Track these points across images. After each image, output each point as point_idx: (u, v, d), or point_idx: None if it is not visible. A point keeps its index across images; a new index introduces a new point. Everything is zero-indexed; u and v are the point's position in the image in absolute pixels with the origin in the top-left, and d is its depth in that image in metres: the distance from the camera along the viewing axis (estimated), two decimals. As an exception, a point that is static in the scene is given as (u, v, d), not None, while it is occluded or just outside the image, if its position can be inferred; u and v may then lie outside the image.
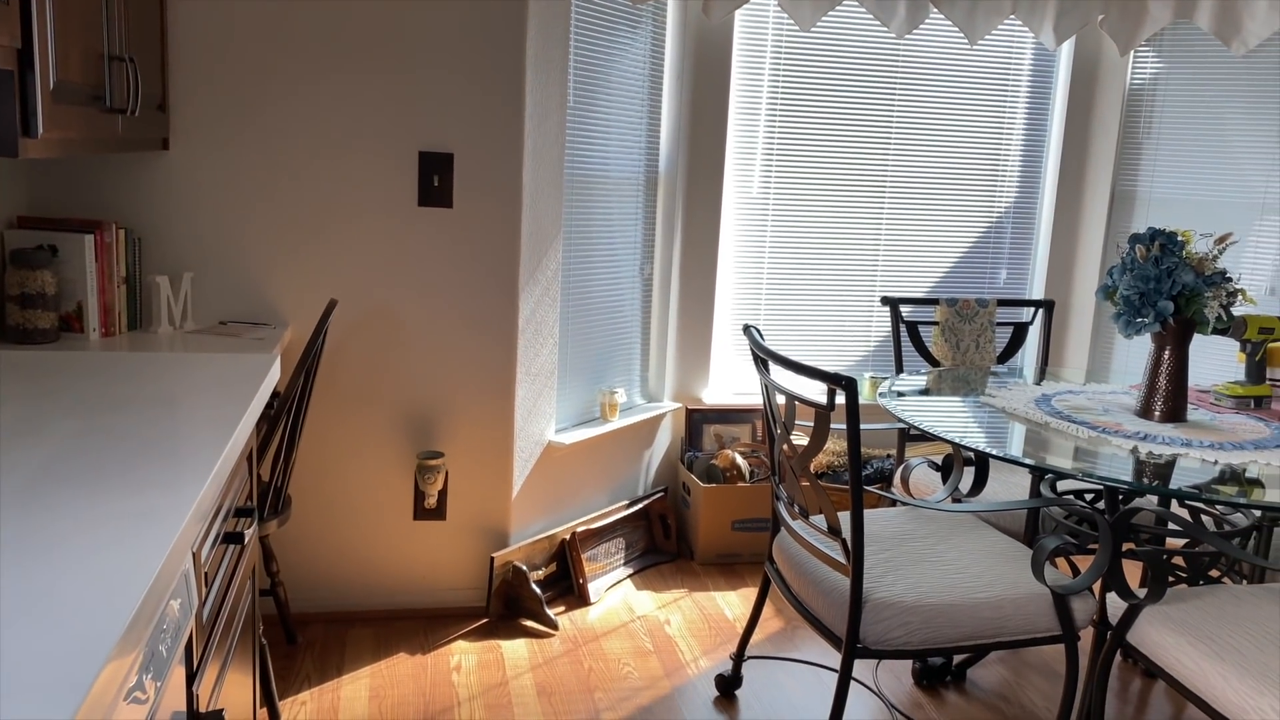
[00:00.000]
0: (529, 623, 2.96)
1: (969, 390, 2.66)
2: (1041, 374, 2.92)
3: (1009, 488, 2.81)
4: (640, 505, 3.45)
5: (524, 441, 3.02)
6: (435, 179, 2.79)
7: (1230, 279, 2.29)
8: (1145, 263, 2.29)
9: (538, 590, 2.94)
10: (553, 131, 2.93)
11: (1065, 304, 3.94)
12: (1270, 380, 2.60)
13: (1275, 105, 3.53)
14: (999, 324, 3.25)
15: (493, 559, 2.94)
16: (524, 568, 2.97)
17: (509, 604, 3.00)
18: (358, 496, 2.90)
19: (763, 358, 2.28)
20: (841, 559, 2.09)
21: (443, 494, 2.94)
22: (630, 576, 3.31)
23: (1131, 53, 3.71)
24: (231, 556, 1.60)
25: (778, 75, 3.59)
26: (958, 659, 2.78)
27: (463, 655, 2.76)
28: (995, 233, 3.88)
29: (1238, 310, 2.38)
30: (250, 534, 1.73)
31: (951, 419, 2.32)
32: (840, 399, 2.09)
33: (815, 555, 2.19)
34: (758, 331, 2.39)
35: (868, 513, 2.52)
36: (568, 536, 3.14)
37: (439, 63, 2.74)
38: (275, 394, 2.59)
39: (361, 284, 2.80)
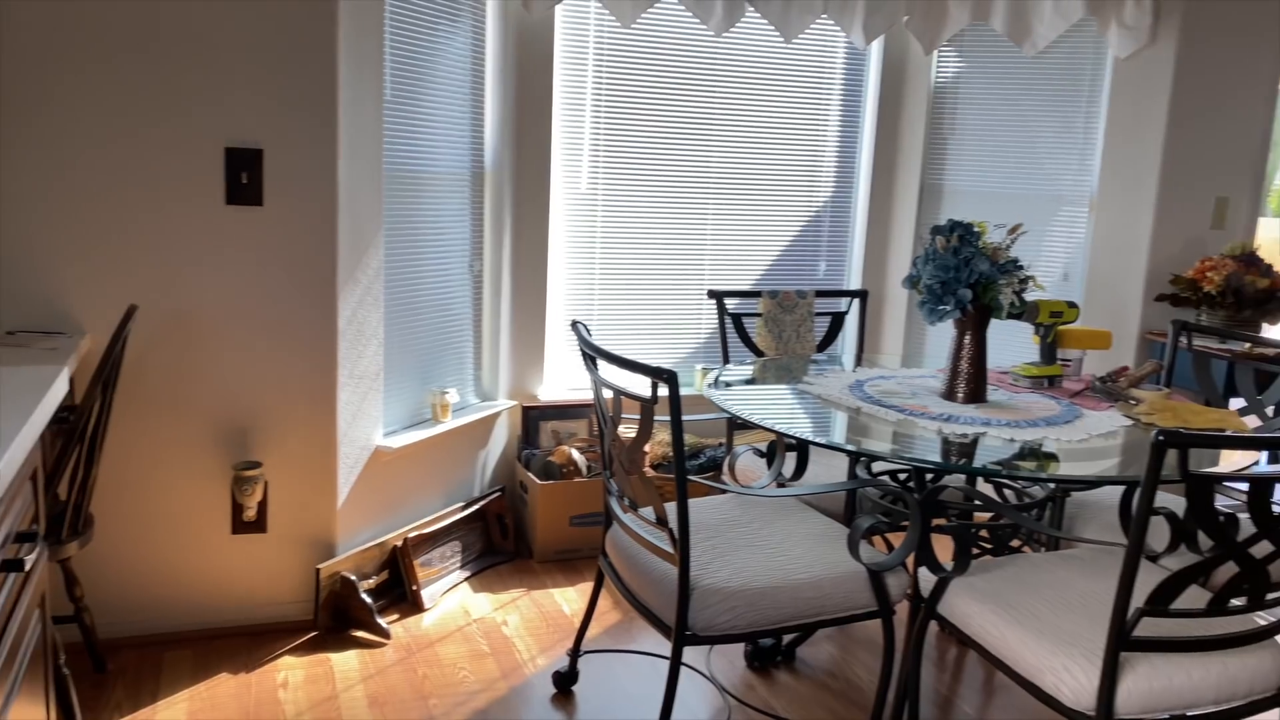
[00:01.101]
0: (360, 633, 2.87)
1: (792, 378, 2.74)
2: (859, 360, 3.04)
3: (830, 471, 2.92)
4: (477, 506, 3.40)
5: (349, 447, 2.93)
6: (244, 176, 2.66)
7: (1022, 267, 2.44)
8: (945, 253, 2.42)
9: (368, 599, 2.86)
10: (369, 126, 2.85)
11: (881, 293, 4.12)
12: (1061, 360, 2.79)
13: (1067, 102, 3.79)
14: (818, 314, 3.37)
15: (318, 570, 2.84)
16: (353, 577, 2.88)
17: (338, 615, 2.91)
18: (170, 512, 2.74)
19: (590, 354, 2.28)
20: (669, 549, 2.11)
21: (262, 505, 2.82)
22: (467, 579, 3.26)
23: (935, 52, 3.91)
24: (12, 586, 1.48)
25: (601, 71, 3.60)
26: (787, 639, 2.86)
27: (289, 671, 2.66)
28: (815, 226, 4.02)
29: (1030, 296, 2.54)
30: (33, 560, 1.60)
31: (773, 407, 2.38)
32: (664, 391, 2.12)
33: (645, 547, 2.21)
34: (585, 328, 2.40)
35: (696, 502, 2.57)
36: (399, 543, 3.07)
37: (246, 55, 2.62)
38: (71, 408, 2.42)
39: (165, 287, 2.65)
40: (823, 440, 2.12)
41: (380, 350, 2.99)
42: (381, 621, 2.86)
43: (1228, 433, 2.26)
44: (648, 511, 2.30)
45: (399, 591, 3.09)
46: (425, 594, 3.06)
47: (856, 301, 3.44)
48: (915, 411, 2.36)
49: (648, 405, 2.05)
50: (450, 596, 3.14)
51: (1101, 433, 2.26)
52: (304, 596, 2.91)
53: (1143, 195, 3.72)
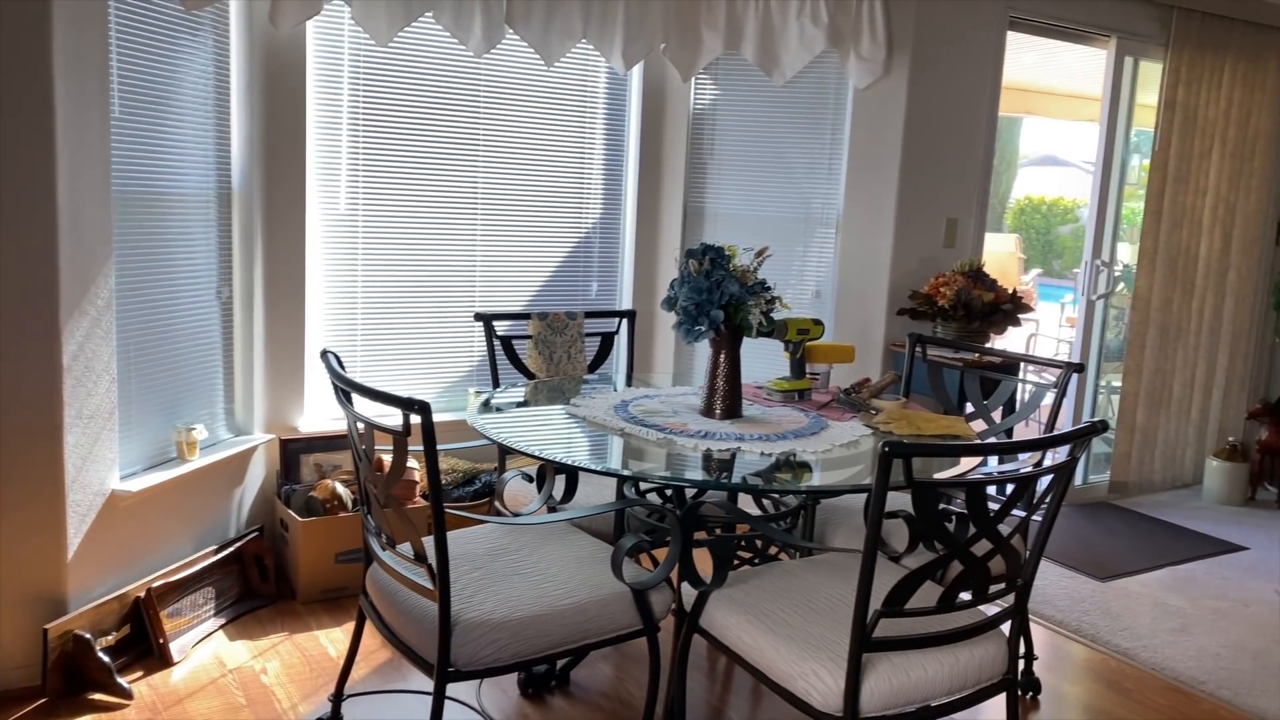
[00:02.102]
0: (98, 696, 2.63)
1: (563, 400, 2.74)
2: (629, 380, 3.09)
3: (601, 491, 2.94)
4: (232, 548, 3.20)
5: (80, 493, 2.68)
6: (-59, 198, 2.39)
7: (769, 288, 2.55)
8: (698, 276, 2.49)
9: (106, 658, 2.62)
10: (94, 144, 2.63)
11: (652, 312, 4.21)
12: (810, 374, 2.94)
13: (815, 129, 4.01)
14: (589, 334, 3.39)
15: (46, 630, 2.57)
16: (88, 635, 2.63)
17: (71, 678, 2.64)
18: None
19: (340, 386, 2.19)
20: (428, 585, 2.05)
21: (-24, 564, 2.53)
22: (223, 627, 3.06)
23: (693, 79, 4.04)
24: None
25: (359, 89, 3.49)
26: (561, 662, 2.85)
27: (10, 748, 2.39)
28: (585, 247, 4.05)
29: (778, 315, 2.66)
30: None
31: (538, 431, 2.37)
32: (419, 420, 2.06)
33: (404, 584, 2.14)
34: (335, 357, 2.30)
35: (462, 532, 2.52)
36: (143, 593, 2.83)
37: (-62, 63, 2.35)
38: None
39: None
40: (576, 462, 2.13)
41: (114, 386, 2.76)
42: (122, 681, 2.63)
43: (952, 441, 2.45)
44: (406, 548, 2.23)
45: (144, 646, 2.85)
46: (174, 647, 2.84)
47: (625, 321, 3.49)
48: (675, 430, 2.41)
49: (400, 438, 1.98)
50: (203, 647, 2.92)
51: (844, 442, 2.39)
52: (30, 660, 2.63)
53: (883, 217, 3.99)
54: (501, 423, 2.43)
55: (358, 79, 3.48)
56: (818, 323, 2.82)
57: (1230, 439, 4.93)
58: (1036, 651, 3.19)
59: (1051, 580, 3.76)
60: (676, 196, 4.11)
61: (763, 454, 2.26)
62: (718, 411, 2.54)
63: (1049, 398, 2.92)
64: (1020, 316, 3.94)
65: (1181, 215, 4.69)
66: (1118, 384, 4.85)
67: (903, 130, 3.92)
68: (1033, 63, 6.36)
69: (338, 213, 3.52)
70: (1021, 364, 3.45)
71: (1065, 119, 8.71)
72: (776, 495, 2.72)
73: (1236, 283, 4.95)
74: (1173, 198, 4.63)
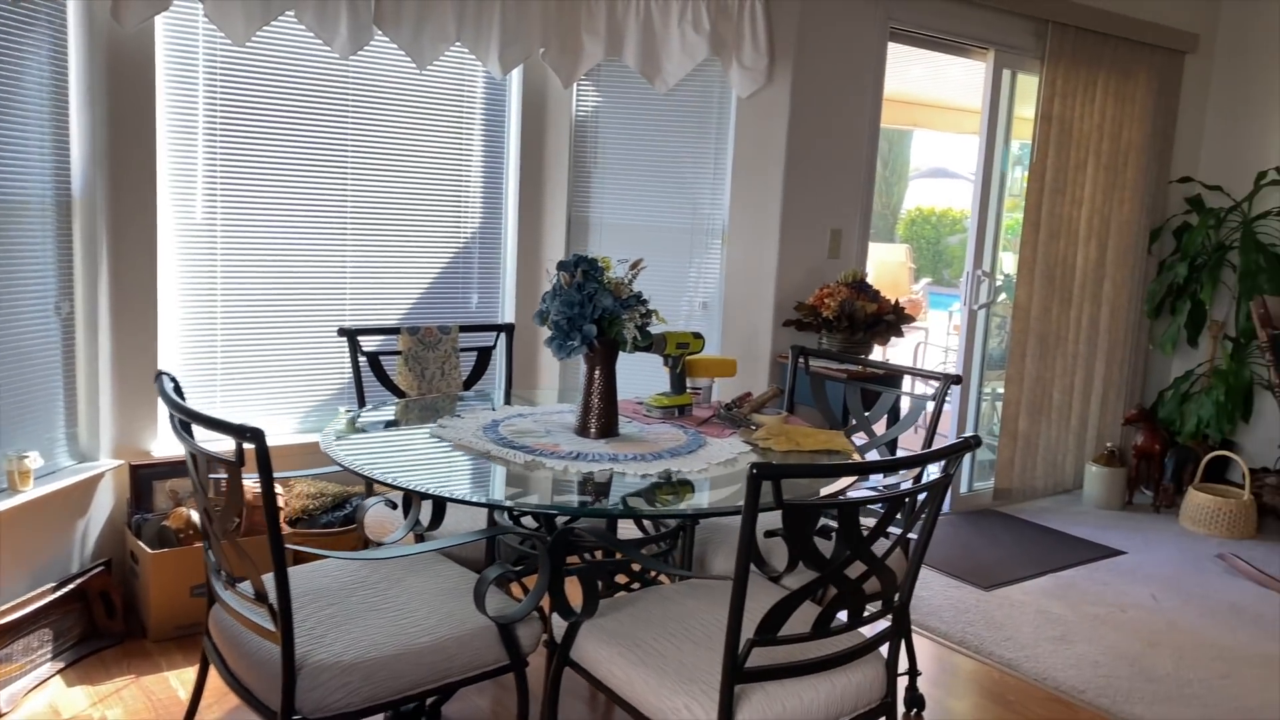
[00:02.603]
0: (-92, 757, 2.37)
1: (435, 419, 2.60)
2: (508, 397, 2.96)
3: (474, 517, 2.79)
4: (74, 585, 2.95)
5: (-112, 532, 2.42)
6: None
7: (644, 301, 2.45)
8: (570, 289, 2.38)
9: (-83, 715, 2.37)
10: (-98, 146, 2.38)
11: (535, 325, 4.08)
12: (692, 389, 2.86)
13: (699, 138, 3.95)
14: (464, 349, 3.25)
15: None
16: (-104, 690, 2.37)
17: (-123, 739, 2.38)
18: None
19: (175, 411, 2.01)
20: (270, 626, 1.89)
21: None
22: (61, 671, 2.81)
23: (574, 85, 3.94)
24: None
25: (216, 91, 3.28)
26: (430, 700, 2.70)
27: None
28: (465, 258, 3.90)
29: (656, 329, 2.57)
30: None
31: (398, 455, 2.22)
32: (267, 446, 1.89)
33: (246, 625, 1.97)
34: (170, 379, 2.11)
35: (316, 565, 2.35)
36: (-35, 639, 2.58)
37: None
38: None
39: None
40: (428, 489, 1.99)
41: (-71, 413, 2.51)
42: (-63, 740, 2.38)
43: (825, 460, 2.38)
44: (247, 586, 2.05)
45: (-33, 698, 2.59)
46: (2, 696, 2.59)
47: (503, 335, 3.35)
48: (545, 451, 2.29)
49: (233, 467, 1.81)
50: (37, 695, 2.68)
51: (721, 460, 2.31)
52: None
53: (768, 228, 3.95)
54: (358, 447, 2.28)
55: (215, 80, 3.27)
56: (698, 336, 2.74)
57: (1108, 444, 5.04)
58: (921, 666, 3.16)
59: (936, 591, 3.76)
60: (560, 205, 4.00)
61: (636, 475, 2.16)
62: (593, 430, 2.43)
63: (932, 405, 2.89)
64: (904, 327, 3.95)
65: (1059, 226, 4.78)
66: (1002, 390, 4.91)
67: (786, 140, 3.89)
68: (920, 76, 6.47)
69: (194, 222, 3.30)
70: (904, 375, 3.43)
71: (953, 132, 8.91)
72: (648, 518, 2.62)
73: (1112, 292, 5.07)
74: (1050, 209, 4.72)
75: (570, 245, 4.05)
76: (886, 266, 9.92)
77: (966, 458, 4.92)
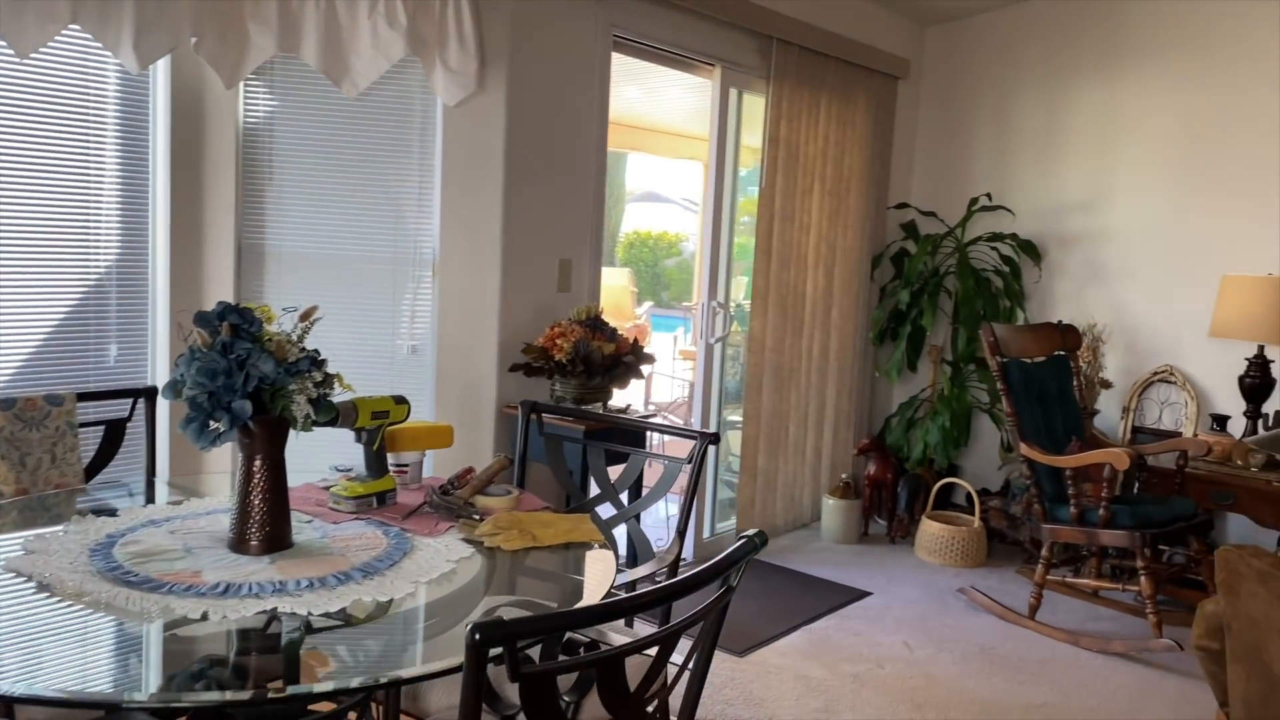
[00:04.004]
0: None
1: (46, 524, 1.85)
2: (150, 491, 2.22)
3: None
4: None
5: None
6: None
7: (322, 361, 1.83)
8: (212, 351, 1.72)
9: None
10: None
11: (200, 380, 3.28)
12: (395, 468, 2.26)
13: (401, 153, 3.34)
14: (85, 425, 2.45)
15: None
16: None
17: None
18: None
19: None
20: None
21: None
22: None
23: (241, 86, 3.21)
24: None
25: None
26: None
27: None
28: (98, 299, 3.06)
29: (341, 396, 1.97)
30: None
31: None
32: None
33: None
34: None
35: None
36: None
37: None
38: None
39: None
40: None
41: None
42: None
43: (569, 607, 1.88)
44: None
45: None
46: None
47: (143, 402, 2.58)
48: (178, 585, 1.61)
49: None
50: None
51: (435, 576, 1.74)
52: None
53: (487, 257, 3.41)
54: None
55: None
56: (400, 401, 2.14)
57: (843, 476, 4.92)
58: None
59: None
60: (227, 231, 3.24)
61: (312, 611, 1.54)
62: (253, 544, 1.78)
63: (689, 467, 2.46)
64: (643, 368, 3.53)
65: (790, 254, 4.59)
66: (738, 418, 4.65)
67: (504, 156, 3.37)
68: (636, 97, 6.19)
69: None
70: (651, 429, 3.00)
71: (669, 156, 8.84)
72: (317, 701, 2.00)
73: (839, 320, 4.97)
74: (781, 235, 4.51)
75: (242, 280, 3.30)
76: (610, 291, 9.65)
77: (708, 498, 4.61)
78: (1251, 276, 4.09)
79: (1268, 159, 4.37)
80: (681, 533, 2.39)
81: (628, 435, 3.37)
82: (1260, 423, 4.25)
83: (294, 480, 2.21)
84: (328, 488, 2.21)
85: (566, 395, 3.36)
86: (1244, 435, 4.25)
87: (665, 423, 3.64)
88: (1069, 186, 4.94)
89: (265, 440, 1.78)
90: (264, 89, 3.27)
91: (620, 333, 3.49)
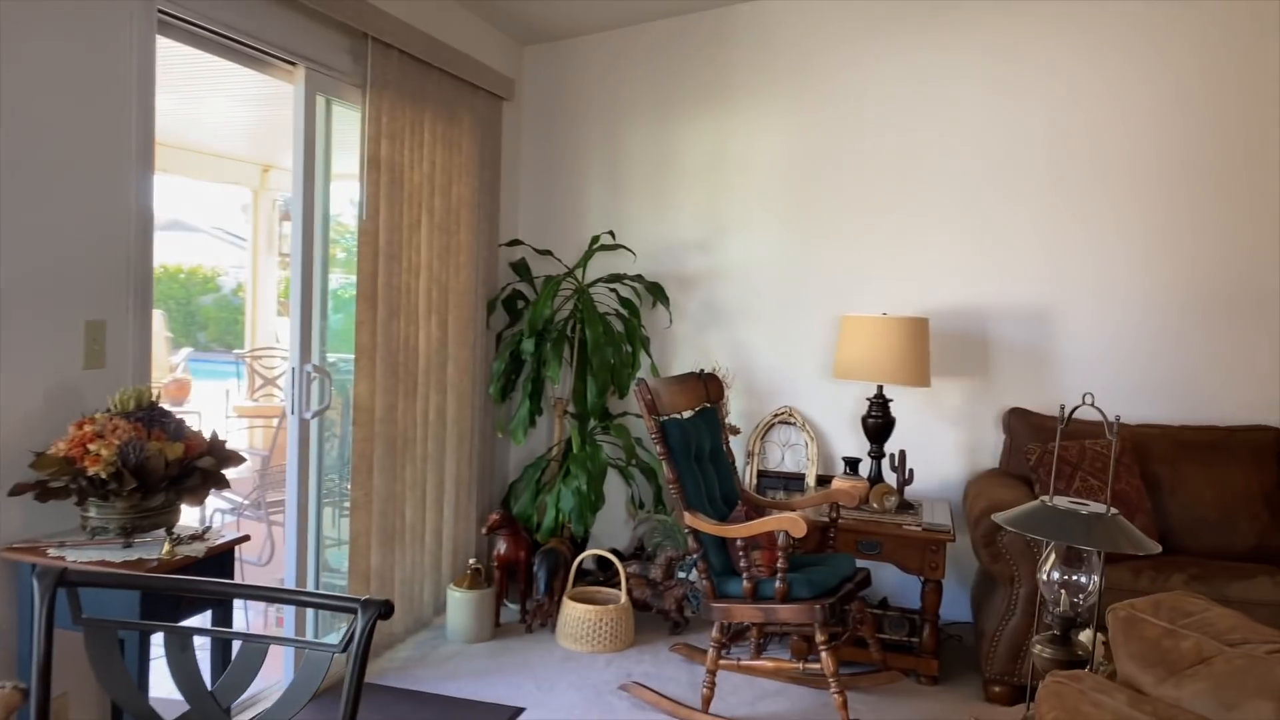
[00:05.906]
0: None
1: None
2: None
3: None
4: None
5: None
6: None
7: None
8: None
9: None
10: None
11: None
12: None
13: None
14: None
15: None
16: None
17: None
18: None
19: None
20: None
21: None
22: None
23: None
24: None
25: None
26: None
27: None
28: None
29: None
30: None
31: None
32: None
33: None
34: None
35: None
36: None
37: None
38: None
39: None
40: None
41: None
42: None
43: None
44: None
45: None
46: None
47: None
48: None
49: None
50: None
51: None
52: None
53: (-37, 324, 2.21)
54: None
55: None
56: None
57: (471, 561, 4.16)
58: None
59: None
60: None
61: None
62: None
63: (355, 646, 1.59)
64: (226, 472, 2.52)
65: (398, 301, 3.76)
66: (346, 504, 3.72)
67: (-13, 170, 2.20)
68: (168, 109, 4.96)
69: None
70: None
71: (210, 180, 7.56)
72: None
73: (456, 376, 4.22)
74: (388, 280, 3.67)
75: None
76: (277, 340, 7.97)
77: (307, 615, 3.61)
78: (868, 316, 4.03)
79: (878, 200, 4.39)
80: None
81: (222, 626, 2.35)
82: (884, 462, 4.22)
83: None
84: None
85: (109, 525, 2.26)
86: (870, 476, 4.20)
87: (294, 588, 2.65)
88: (684, 223, 4.66)
89: None
90: None
91: (186, 424, 2.45)
